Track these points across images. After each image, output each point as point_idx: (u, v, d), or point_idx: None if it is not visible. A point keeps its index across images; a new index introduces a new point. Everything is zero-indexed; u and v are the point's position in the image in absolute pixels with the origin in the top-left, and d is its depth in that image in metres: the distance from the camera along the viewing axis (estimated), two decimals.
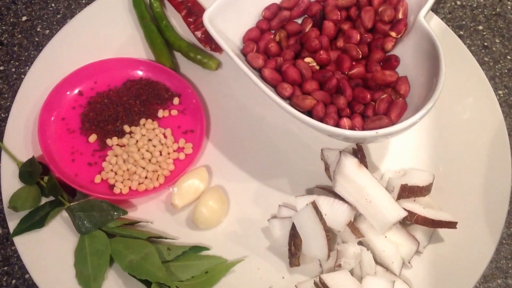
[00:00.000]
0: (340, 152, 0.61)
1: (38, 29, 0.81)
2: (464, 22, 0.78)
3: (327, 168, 0.66)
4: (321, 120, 0.62)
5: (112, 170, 0.66)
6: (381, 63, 0.67)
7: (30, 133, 0.68)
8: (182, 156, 0.68)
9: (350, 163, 0.59)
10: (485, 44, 0.77)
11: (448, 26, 0.77)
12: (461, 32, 0.78)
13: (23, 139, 0.67)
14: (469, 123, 0.69)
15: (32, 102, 0.69)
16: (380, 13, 0.68)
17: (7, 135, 0.67)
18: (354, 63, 0.67)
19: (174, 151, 0.68)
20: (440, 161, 0.68)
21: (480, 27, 0.78)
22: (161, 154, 0.67)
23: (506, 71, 0.75)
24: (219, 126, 0.70)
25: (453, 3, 0.80)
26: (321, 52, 0.66)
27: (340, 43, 0.68)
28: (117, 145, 0.68)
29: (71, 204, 0.63)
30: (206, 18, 0.64)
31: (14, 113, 0.69)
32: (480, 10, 0.79)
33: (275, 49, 0.68)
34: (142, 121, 0.69)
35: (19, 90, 0.69)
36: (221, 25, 0.66)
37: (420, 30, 0.63)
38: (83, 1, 0.81)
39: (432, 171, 0.65)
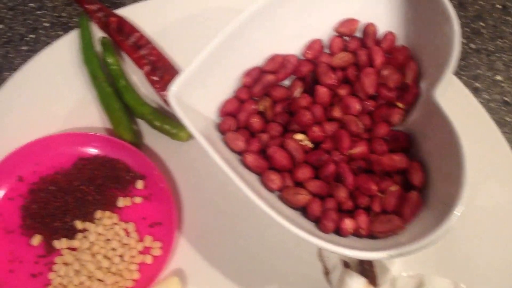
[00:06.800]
0: (344, 269, 0.49)
1: None
2: (480, 71, 0.66)
3: (326, 272, 0.54)
4: (317, 220, 0.51)
5: (60, 284, 0.53)
6: (387, 139, 0.55)
7: None
8: (148, 259, 0.55)
9: (357, 286, 0.48)
10: (505, 99, 0.65)
11: (461, 76, 0.65)
12: (477, 84, 0.66)
13: None
14: (494, 214, 0.58)
15: None
16: (384, 77, 0.55)
17: None
18: (354, 138, 0.55)
19: (138, 252, 0.55)
20: (464, 264, 0.56)
21: (499, 77, 0.66)
22: (122, 259, 0.55)
23: None
24: (194, 217, 0.58)
25: (465, 47, 0.68)
26: (314, 129, 0.54)
27: (337, 112, 0.56)
28: (67, 248, 0.55)
29: None
30: (172, 97, 0.51)
31: None
32: (497, 55, 0.67)
33: (258, 126, 0.55)
34: (98, 213, 0.56)
35: None
36: (191, 99, 0.53)
37: (433, 108, 0.50)
38: (23, 48, 0.66)
39: (455, 277, 0.54)
